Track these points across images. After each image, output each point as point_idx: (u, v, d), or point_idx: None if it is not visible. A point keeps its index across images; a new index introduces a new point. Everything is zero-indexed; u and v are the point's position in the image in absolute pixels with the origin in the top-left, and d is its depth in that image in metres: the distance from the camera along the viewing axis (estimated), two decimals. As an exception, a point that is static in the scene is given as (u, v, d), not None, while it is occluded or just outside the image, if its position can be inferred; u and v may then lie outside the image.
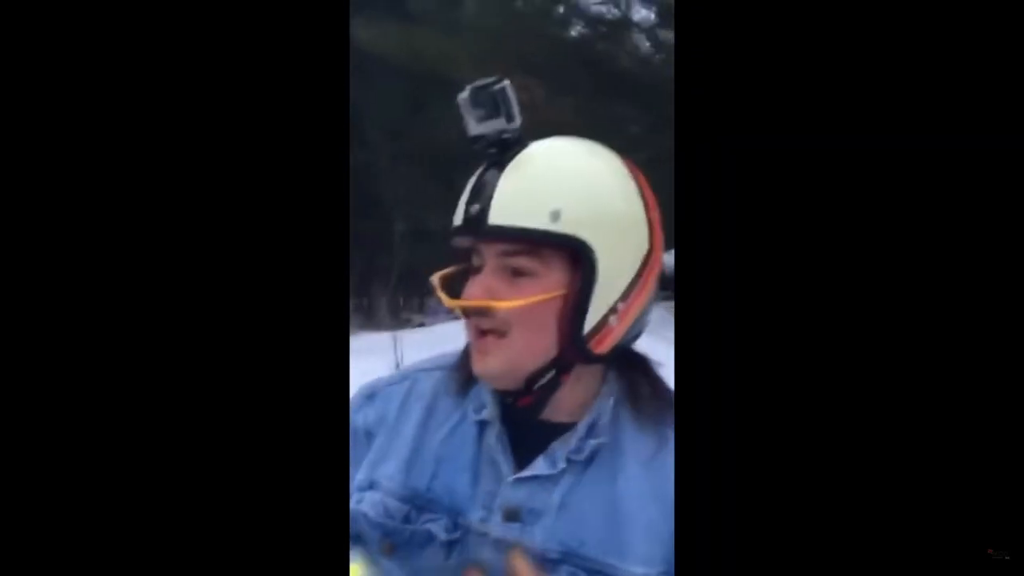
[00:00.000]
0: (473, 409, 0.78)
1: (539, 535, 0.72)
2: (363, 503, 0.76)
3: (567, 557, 0.71)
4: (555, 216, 0.67)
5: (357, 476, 0.78)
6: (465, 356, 0.77)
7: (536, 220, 0.67)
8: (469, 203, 0.70)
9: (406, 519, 0.75)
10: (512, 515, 0.72)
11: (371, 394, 0.84)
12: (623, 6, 8.82)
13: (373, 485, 0.77)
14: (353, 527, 0.75)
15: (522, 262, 0.69)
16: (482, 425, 0.77)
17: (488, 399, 0.77)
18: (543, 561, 0.70)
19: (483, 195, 0.69)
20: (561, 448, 0.74)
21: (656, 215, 0.73)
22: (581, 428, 0.74)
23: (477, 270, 0.71)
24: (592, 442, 0.74)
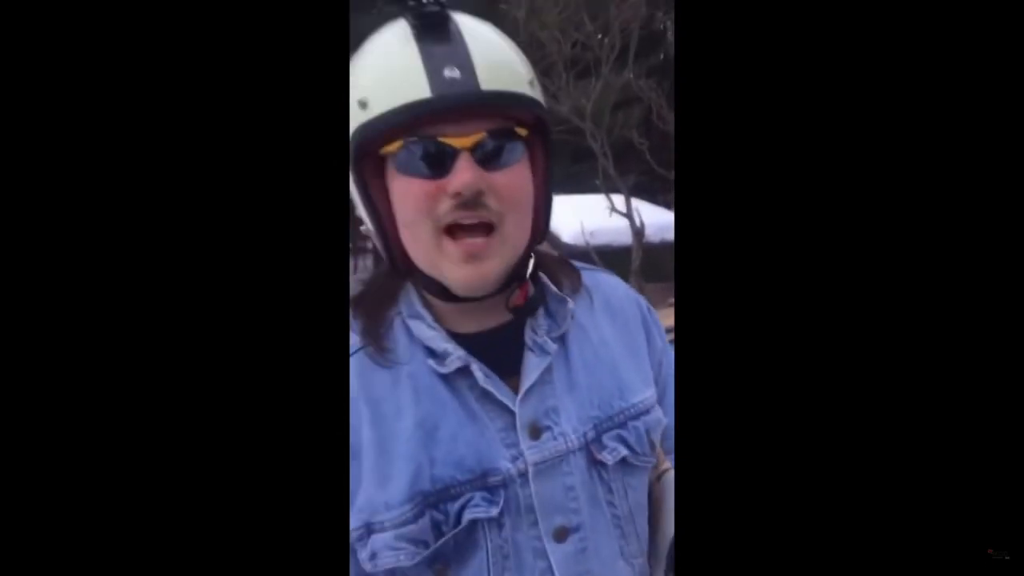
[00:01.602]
0: (433, 363, 0.68)
1: (568, 427, 0.69)
2: (378, 557, 0.64)
3: (600, 425, 0.71)
4: (532, 83, 0.65)
5: (351, 527, 0.65)
6: (368, 312, 0.71)
7: (519, 86, 0.64)
8: (436, 70, 0.61)
9: (437, 529, 0.64)
10: (536, 431, 0.68)
11: None
12: None
13: (371, 528, 0.65)
14: None
15: (499, 145, 0.63)
16: (453, 373, 0.68)
17: (443, 344, 0.69)
18: (590, 445, 0.70)
19: (450, 61, 0.61)
20: (539, 334, 0.72)
21: None
22: (532, 309, 0.72)
23: (440, 169, 0.62)
24: (567, 312, 0.73)
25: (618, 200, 6.50)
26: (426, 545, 0.64)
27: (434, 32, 0.62)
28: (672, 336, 0.74)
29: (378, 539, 0.64)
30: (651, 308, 0.83)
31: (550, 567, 0.67)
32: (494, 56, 0.63)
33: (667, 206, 8.88)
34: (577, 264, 0.81)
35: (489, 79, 0.61)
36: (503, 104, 0.63)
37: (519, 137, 0.65)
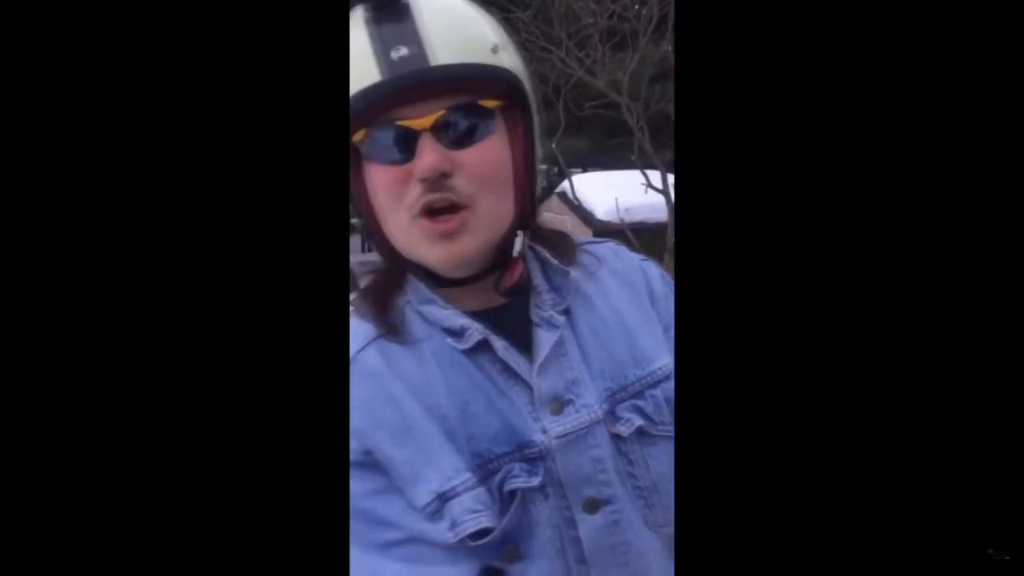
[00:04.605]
0: (453, 341, 0.68)
1: (591, 399, 0.69)
2: (459, 524, 0.63)
3: (614, 396, 0.70)
4: (496, 50, 0.61)
5: (419, 506, 0.64)
6: (377, 301, 0.70)
7: (479, 55, 0.60)
8: (384, 52, 0.57)
9: (494, 501, 0.63)
10: (559, 405, 0.68)
11: None
12: None
13: (444, 496, 0.64)
14: (470, 559, 0.63)
15: (465, 122, 0.60)
16: (473, 349, 0.68)
17: (459, 320, 0.68)
18: (608, 420, 0.69)
19: (399, 41, 0.58)
20: (544, 309, 0.70)
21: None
22: (539, 281, 0.71)
23: (406, 153, 0.60)
24: (569, 284, 0.71)
25: (654, 176, 6.42)
26: (490, 510, 0.64)
27: (386, 13, 0.59)
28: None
29: (456, 505, 0.63)
30: (665, 275, 0.80)
31: (578, 538, 0.67)
32: (448, 27, 0.60)
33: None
34: (581, 239, 0.79)
35: (441, 53, 0.58)
36: (460, 77, 0.60)
37: (488, 110, 0.62)
